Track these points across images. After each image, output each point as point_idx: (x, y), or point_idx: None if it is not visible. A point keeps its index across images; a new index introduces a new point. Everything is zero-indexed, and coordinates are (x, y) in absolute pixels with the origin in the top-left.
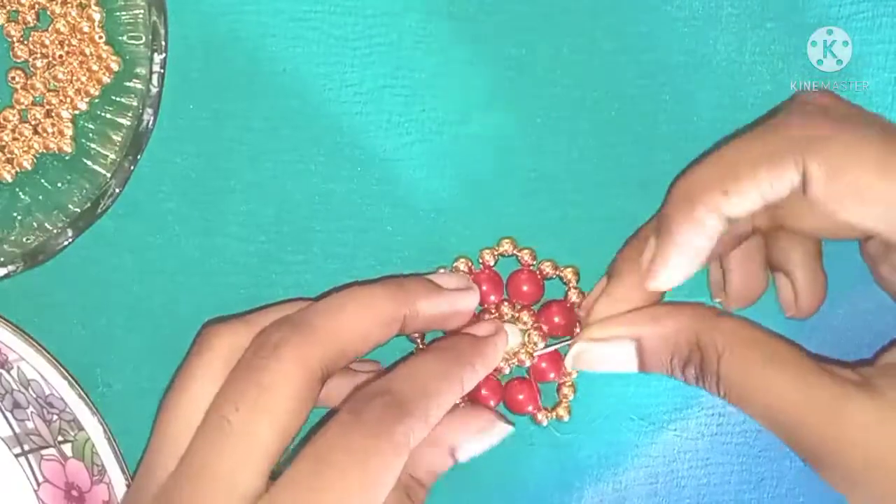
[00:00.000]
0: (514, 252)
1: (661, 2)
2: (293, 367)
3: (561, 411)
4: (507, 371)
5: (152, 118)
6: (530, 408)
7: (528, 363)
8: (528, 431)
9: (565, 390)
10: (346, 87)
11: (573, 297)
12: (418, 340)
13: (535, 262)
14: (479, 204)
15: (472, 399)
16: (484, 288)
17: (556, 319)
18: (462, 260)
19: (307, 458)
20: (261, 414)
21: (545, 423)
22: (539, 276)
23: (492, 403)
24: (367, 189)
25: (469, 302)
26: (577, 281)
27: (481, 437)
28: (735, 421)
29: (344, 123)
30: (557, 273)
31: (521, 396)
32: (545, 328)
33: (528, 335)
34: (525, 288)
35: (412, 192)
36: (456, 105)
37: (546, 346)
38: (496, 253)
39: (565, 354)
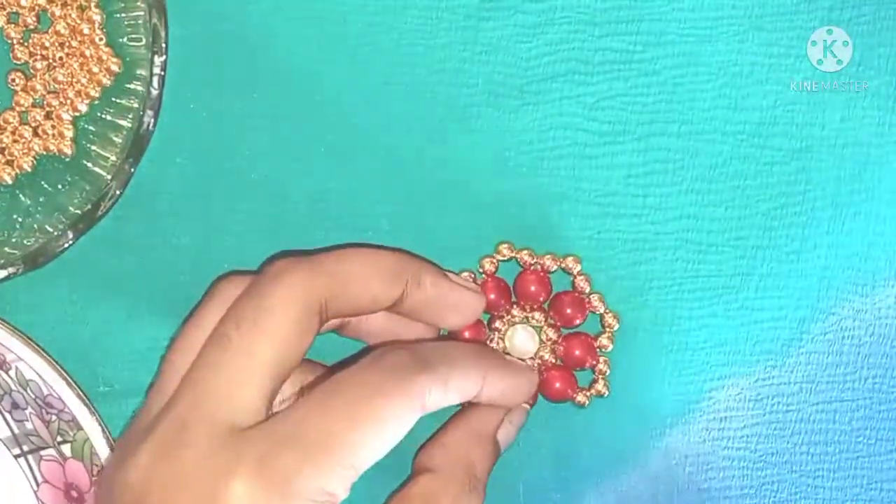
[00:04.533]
0: (513, 255)
1: (663, 2)
2: (294, 292)
3: (600, 387)
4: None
5: (153, 120)
6: (569, 392)
7: (551, 360)
8: (529, 431)
9: (601, 366)
10: (346, 87)
11: (580, 284)
12: None
13: (535, 261)
14: (480, 201)
15: None
16: (492, 297)
17: (568, 311)
18: (465, 273)
19: (318, 390)
20: (260, 334)
21: (586, 402)
22: (543, 273)
23: (526, 407)
24: (367, 188)
25: (474, 301)
26: (581, 267)
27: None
28: (737, 426)
29: (344, 123)
30: (559, 265)
31: (557, 385)
32: (558, 322)
33: (544, 332)
34: (533, 288)
35: (413, 191)
36: (457, 104)
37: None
38: (496, 260)
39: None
